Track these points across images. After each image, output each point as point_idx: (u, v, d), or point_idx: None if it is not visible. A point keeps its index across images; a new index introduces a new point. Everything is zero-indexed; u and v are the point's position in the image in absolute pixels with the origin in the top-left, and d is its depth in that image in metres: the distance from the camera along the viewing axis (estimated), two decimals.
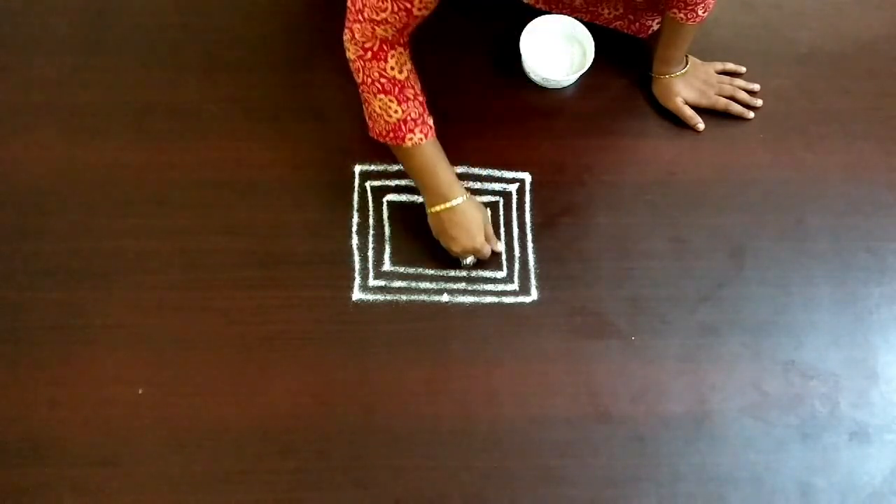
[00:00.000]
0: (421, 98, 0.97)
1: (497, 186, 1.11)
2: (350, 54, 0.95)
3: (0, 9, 1.20)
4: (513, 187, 1.11)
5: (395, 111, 0.95)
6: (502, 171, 1.11)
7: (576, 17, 1.14)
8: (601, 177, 1.12)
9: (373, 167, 1.10)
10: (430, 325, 1.03)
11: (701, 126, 1.14)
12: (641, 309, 1.04)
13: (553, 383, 1.00)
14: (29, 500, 0.94)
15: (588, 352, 1.02)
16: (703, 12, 1.03)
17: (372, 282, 1.05)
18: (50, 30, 1.19)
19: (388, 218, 1.08)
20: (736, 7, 1.24)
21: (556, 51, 1.16)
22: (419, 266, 1.06)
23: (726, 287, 1.06)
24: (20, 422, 0.97)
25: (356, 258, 1.06)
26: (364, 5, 0.89)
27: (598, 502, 0.96)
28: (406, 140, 0.96)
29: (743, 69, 1.18)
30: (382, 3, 0.87)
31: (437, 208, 1.00)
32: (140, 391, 0.98)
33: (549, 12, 1.15)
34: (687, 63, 1.14)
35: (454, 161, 1.09)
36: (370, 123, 0.99)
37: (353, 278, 1.05)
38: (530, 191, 1.11)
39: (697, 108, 1.14)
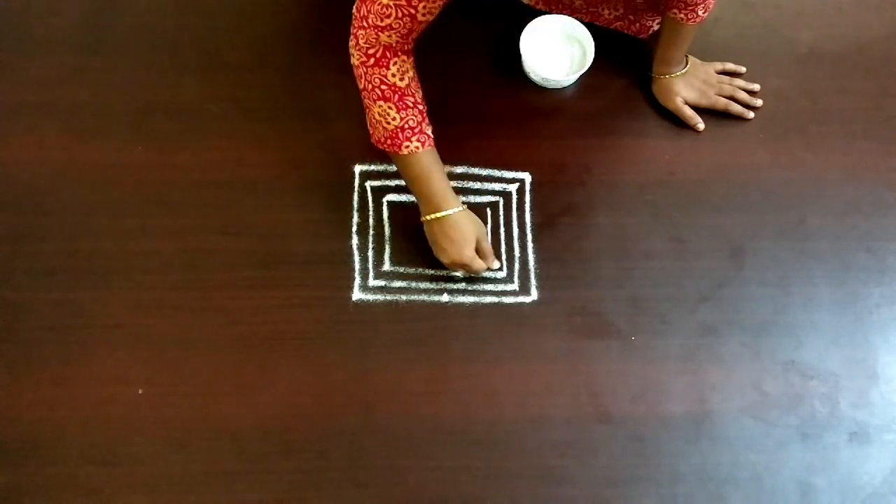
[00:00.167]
0: (421, 107, 0.97)
1: (497, 186, 1.11)
2: (354, 60, 0.95)
3: (0, 9, 1.20)
4: (513, 187, 1.11)
5: (394, 118, 0.95)
6: (502, 171, 1.11)
7: (576, 18, 1.14)
8: (601, 177, 1.12)
9: (373, 167, 1.10)
10: (430, 325, 1.03)
11: (701, 126, 1.14)
12: (641, 309, 1.04)
13: (553, 383, 1.00)
14: (29, 500, 0.94)
15: (588, 352, 1.02)
16: (703, 12, 1.03)
17: (372, 282, 1.05)
18: (50, 30, 1.19)
19: (388, 218, 1.08)
20: (736, 7, 1.24)
21: (556, 51, 1.16)
22: (419, 266, 1.06)
23: (726, 287, 1.06)
24: (20, 422, 0.97)
25: (356, 258, 1.06)
26: (369, 12, 0.89)
27: (598, 502, 0.96)
28: (403, 148, 0.96)
29: (743, 69, 1.18)
30: (386, 9, 0.88)
31: (429, 217, 0.99)
32: (140, 391, 0.98)
33: (549, 12, 1.15)
34: (687, 63, 1.14)
35: (454, 161, 1.10)
36: (370, 129, 0.99)
37: (353, 278, 1.05)
38: (530, 191, 1.11)
39: (697, 108, 1.14)
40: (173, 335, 1.01)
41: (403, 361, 1.01)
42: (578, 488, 0.96)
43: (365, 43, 0.92)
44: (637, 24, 1.16)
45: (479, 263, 1.01)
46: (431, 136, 0.98)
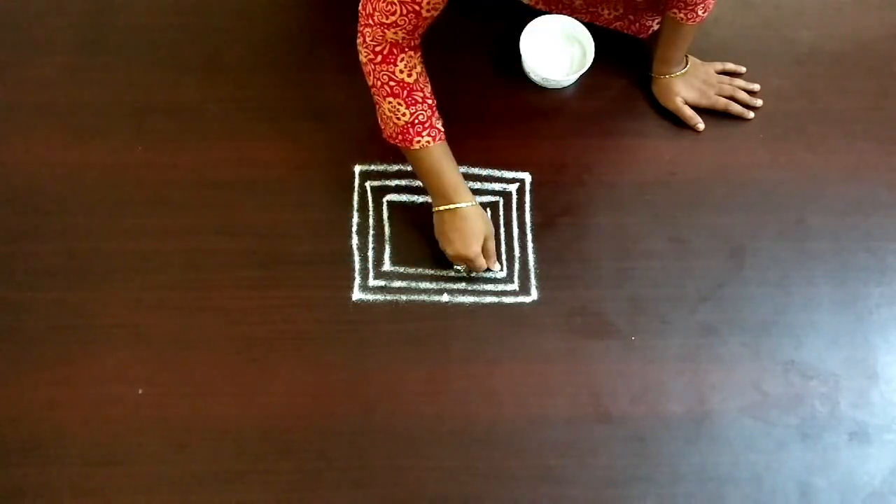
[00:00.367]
0: (430, 101, 0.97)
1: (497, 186, 1.11)
2: (361, 57, 0.95)
3: (0, 9, 1.20)
4: (513, 187, 1.11)
5: (404, 114, 0.95)
6: (502, 171, 1.11)
7: (576, 18, 1.14)
8: (601, 177, 1.12)
9: (373, 167, 1.10)
10: (430, 325, 1.03)
11: (701, 126, 1.14)
12: (641, 309, 1.04)
13: (553, 383, 1.00)
14: (29, 500, 0.94)
15: (588, 352, 1.02)
16: (703, 12, 1.03)
17: (372, 282, 1.05)
18: (50, 30, 1.19)
19: (388, 218, 1.08)
20: (736, 7, 1.24)
21: (556, 51, 1.16)
22: (419, 266, 1.06)
23: (726, 287, 1.06)
24: (20, 422, 0.97)
25: (356, 258, 1.06)
26: (374, 9, 0.89)
27: (598, 502, 0.96)
28: (414, 143, 0.97)
29: (743, 69, 1.18)
30: (391, 6, 0.88)
31: (441, 208, 1.00)
32: (140, 391, 0.98)
33: (549, 12, 1.15)
34: (687, 63, 1.14)
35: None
36: (381, 125, 1.00)
37: (353, 278, 1.05)
38: (530, 191, 1.11)
39: (697, 108, 1.14)
40: (173, 335, 1.01)
41: (403, 361, 1.01)
42: (578, 488, 0.96)
43: (371, 41, 0.92)
44: (637, 24, 1.16)
45: (481, 261, 1.01)
46: (442, 129, 0.99)
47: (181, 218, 1.07)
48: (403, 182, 1.09)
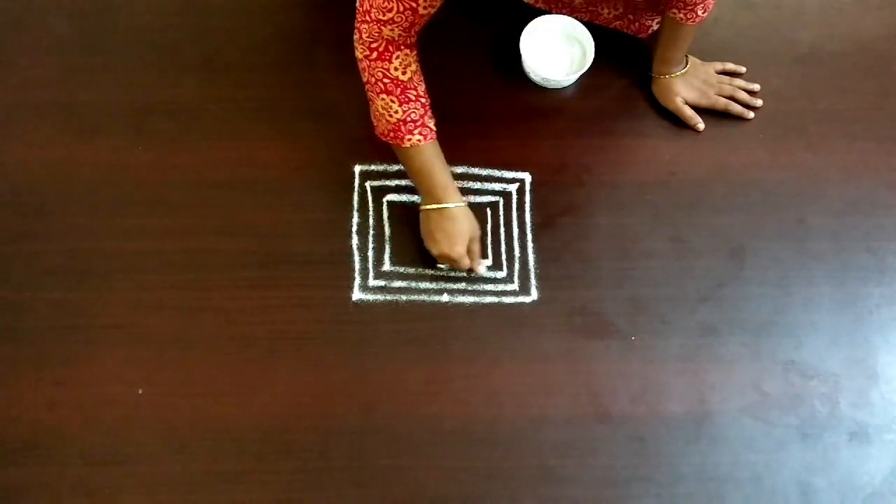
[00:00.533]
0: (424, 100, 0.98)
1: (497, 186, 1.11)
2: (358, 53, 0.95)
3: (0, 9, 1.20)
4: (513, 187, 1.11)
5: (396, 111, 0.95)
6: (502, 171, 1.11)
7: (575, 17, 1.14)
8: (601, 177, 1.12)
9: (373, 167, 1.10)
10: (430, 325, 1.03)
11: (701, 126, 1.14)
12: (641, 309, 1.04)
13: (553, 383, 1.00)
14: (29, 500, 0.94)
15: (588, 352, 1.02)
16: (703, 12, 1.03)
17: (372, 282, 1.05)
18: (50, 30, 1.19)
19: (388, 218, 1.08)
20: (736, 7, 1.24)
21: (556, 51, 1.16)
22: (419, 266, 1.06)
23: (726, 287, 1.06)
24: (20, 422, 0.97)
25: (356, 258, 1.06)
26: (371, 6, 0.89)
27: (598, 502, 0.96)
28: (405, 141, 0.97)
29: (743, 69, 1.18)
30: (388, 3, 0.88)
31: (428, 207, 1.00)
32: (140, 391, 0.98)
33: (549, 12, 1.15)
34: (687, 63, 1.14)
35: (454, 161, 1.09)
36: (374, 122, 1.00)
37: (353, 278, 1.05)
38: (530, 191, 1.11)
39: (697, 108, 1.14)
40: (173, 335, 1.01)
41: (403, 361, 1.01)
42: (578, 488, 0.96)
43: (368, 37, 0.92)
44: (636, 24, 1.16)
45: (465, 262, 1.01)
46: (434, 129, 0.99)
47: (181, 218, 1.07)
48: (403, 182, 1.09)
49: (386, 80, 0.94)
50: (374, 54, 0.93)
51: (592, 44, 1.13)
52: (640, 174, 1.12)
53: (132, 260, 1.04)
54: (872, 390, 1.02)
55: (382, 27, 0.91)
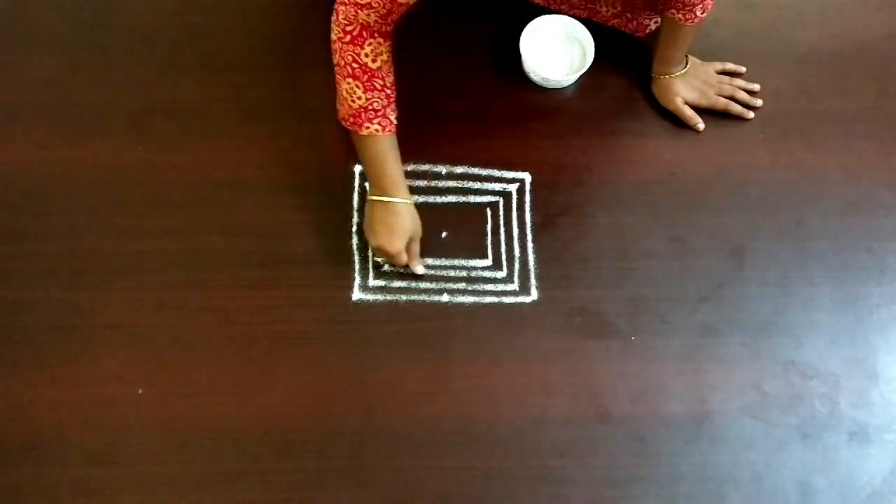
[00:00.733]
0: (389, 91, 0.97)
1: (497, 186, 1.11)
2: (332, 34, 0.95)
3: (0, 9, 1.20)
4: (513, 187, 1.11)
5: (359, 98, 0.95)
6: (502, 171, 1.11)
7: (573, 14, 1.14)
8: (601, 177, 1.12)
9: None
10: (430, 325, 1.03)
11: (701, 126, 1.14)
12: (641, 309, 1.04)
13: (553, 383, 1.00)
14: (29, 500, 0.94)
15: (588, 352, 1.02)
16: (702, 13, 1.03)
17: (372, 282, 1.05)
18: (50, 30, 1.19)
19: None
20: (736, 7, 1.24)
21: (556, 51, 1.16)
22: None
23: (726, 287, 1.06)
24: (20, 422, 0.97)
25: (356, 258, 1.06)
26: None
27: (598, 502, 0.96)
28: (363, 128, 0.97)
29: (743, 69, 1.18)
30: None
31: (375, 198, 1.00)
32: (140, 391, 0.98)
33: (548, 8, 1.15)
34: (687, 63, 1.14)
35: (454, 161, 1.10)
36: (338, 105, 1.00)
37: (353, 278, 1.05)
38: (530, 191, 1.11)
39: (697, 108, 1.14)
40: (173, 335, 1.01)
41: (403, 361, 1.01)
42: (578, 488, 0.96)
43: (344, 19, 0.92)
44: (634, 23, 1.16)
45: (402, 258, 1.01)
46: (394, 122, 0.98)
47: (181, 218, 1.07)
48: None
49: (355, 65, 0.94)
50: (348, 38, 0.93)
51: (592, 44, 1.13)
52: (640, 174, 1.12)
53: (132, 260, 1.04)
54: (872, 390, 1.02)
55: (359, 10, 0.90)
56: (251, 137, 1.12)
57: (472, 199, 1.10)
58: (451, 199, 1.10)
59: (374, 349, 1.01)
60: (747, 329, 1.04)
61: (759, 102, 1.16)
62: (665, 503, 0.96)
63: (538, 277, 1.06)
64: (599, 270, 1.06)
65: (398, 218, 0.99)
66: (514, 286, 1.05)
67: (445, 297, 1.04)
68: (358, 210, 1.08)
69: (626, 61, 1.18)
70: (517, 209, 1.10)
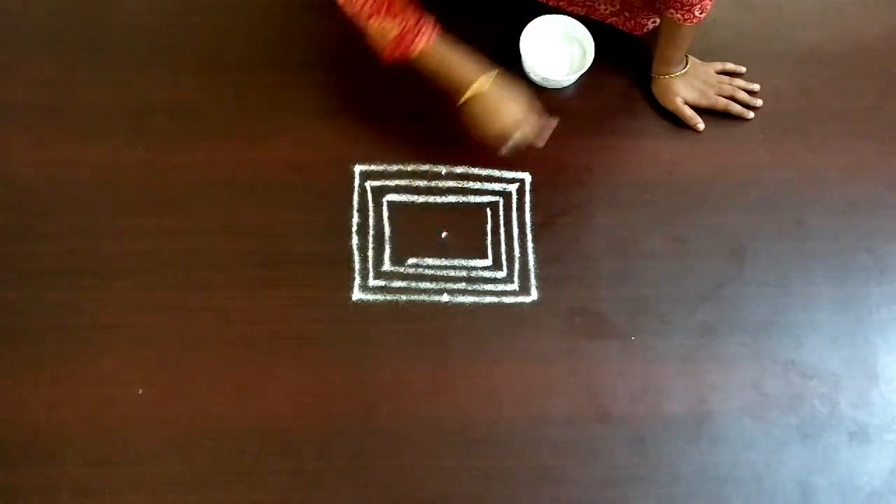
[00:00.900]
0: (413, 6, 0.96)
1: (497, 186, 1.11)
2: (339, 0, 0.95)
3: (0, 9, 1.20)
4: (513, 187, 1.11)
5: (390, 28, 0.94)
6: (502, 171, 1.11)
7: (571, 11, 1.14)
8: (601, 177, 1.12)
9: (373, 167, 1.10)
10: (430, 325, 1.03)
11: (701, 126, 1.14)
12: (641, 309, 1.05)
13: (553, 383, 1.00)
14: (29, 500, 0.94)
15: (588, 352, 1.02)
16: (700, 13, 1.03)
17: (372, 282, 1.05)
18: (50, 30, 1.19)
19: (388, 218, 1.08)
20: (736, 7, 1.24)
21: (556, 51, 1.16)
22: (419, 266, 1.06)
23: (726, 287, 1.06)
24: (20, 422, 0.97)
25: (356, 258, 1.06)
26: None
27: (598, 502, 0.96)
28: (412, 51, 0.96)
29: (743, 69, 1.18)
30: None
31: (470, 94, 0.99)
32: (140, 391, 0.98)
33: (546, 5, 1.15)
34: (687, 63, 1.14)
35: (454, 161, 1.10)
36: (378, 52, 0.98)
37: (353, 278, 1.05)
38: (530, 191, 1.11)
39: (697, 108, 1.14)
40: (173, 335, 1.01)
41: (403, 361, 1.01)
42: (578, 488, 0.96)
43: None
44: (632, 21, 1.16)
45: (532, 119, 1.00)
46: (435, 25, 0.97)
47: (181, 218, 1.07)
48: (403, 182, 1.09)
49: (367, 4, 0.93)
50: None
51: (592, 44, 1.13)
52: (640, 174, 1.12)
53: (132, 260, 1.04)
54: (872, 390, 1.02)
55: None
56: (251, 137, 1.12)
57: (472, 199, 1.10)
58: (451, 199, 1.10)
59: (374, 349, 1.01)
60: (747, 329, 1.04)
61: (759, 102, 1.16)
62: (665, 503, 0.96)
63: (538, 277, 1.06)
64: (599, 270, 1.06)
65: (504, 88, 0.99)
66: (514, 286, 1.05)
67: (445, 297, 1.04)
68: (358, 210, 1.08)
69: (626, 61, 1.18)
70: (517, 209, 1.10)
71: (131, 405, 0.97)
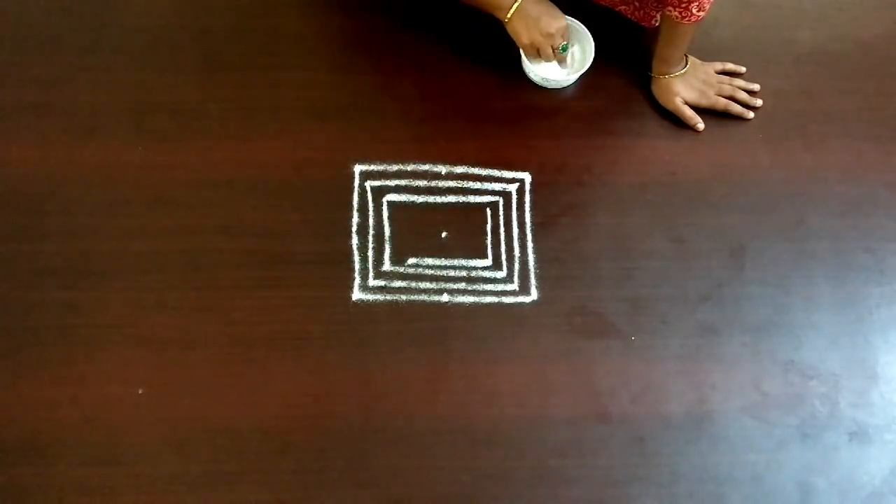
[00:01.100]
0: None
1: (497, 186, 1.11)
2: None
3: (0, 9, 1.20)
4: (513, 187, 1.11)
5: None
6: (502, 171, 1.11)
7: None
8: (601, 177, 1.12)
9: (373, 167, 1.10)
10: (430, 325, 1.03)
11: (701, 126, 1.14)
12: (641, 309, 1.04)
13: (553, 383, 1.00)
14: (29, 500, 0.94)
15: (588, 352, 1.02)
16: (698, 11, 1.03)
17: (372, 282, 1.05)
18: (50, 30, 1.19)
19: (388, 218, 1.08)
20: (736, 7, 1.24)
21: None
22: (419, 266, 1.06)
23: (726, 287, 1.06)
24: (20, 422, 0.97)
25: (356, 258, 1.06)
26: None
27: (598, 502, 0.96)
28: None
29: (743, 69, 1.18)
30: None
31: (512, 11, 1.03)
32: (140, 391, 0.98)
33: None
34: (687, 63, 1.14)
35: (454, 161, 1.10)
36: None
37: (353, 278, 1.05)
38: (530, 191, 1.11)
39: (697, 108, 1.14)
40: (173, 335, 1.01)
41: (403, 361, 1.01)
42: (578, 488, 0.96)
43: None
44: (641, 11, 1.15)
45: (557, 39, 1.07)
46: None
47: (181, 218, 1.07)
48: (403, 182, 1.09)
49: None
50: None
51: (592, 44, 1.13)
52: (640, 174, 1.12)
53: (132, 260, 1.04)
54: (872, 390, 1.02)
55: None
56: (251, 137, 1.12)
57: (472, 199, 1.10)
58: (451, 199, 1.10)
59: (374, 349, 1.01)
60: (747, 329, 1.04)
61: (759, 102, 1.16)
62: (665, 503, 0.96)
63: (538, 277, 1.06)
64: (599, 270, 1.06)
65: (531, 11, 1.03)
66: (514, 286, 1.05)
67: (445, 297, 1.04)
68: (358, 210, 1.08)
69: (626, 61, 1.18)
70: (517, 209, 1.10)
71: (131, 405, 0.97)
